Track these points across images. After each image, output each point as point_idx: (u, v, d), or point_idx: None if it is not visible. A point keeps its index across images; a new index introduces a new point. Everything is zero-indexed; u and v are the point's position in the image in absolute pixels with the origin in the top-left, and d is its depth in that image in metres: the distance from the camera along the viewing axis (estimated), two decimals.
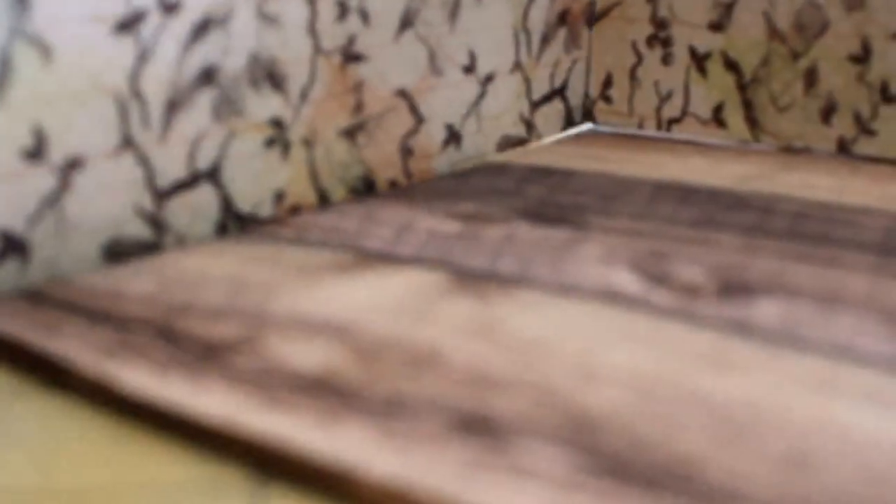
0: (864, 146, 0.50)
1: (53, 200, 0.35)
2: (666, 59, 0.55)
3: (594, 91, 0.56)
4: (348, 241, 0.33)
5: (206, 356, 0.26)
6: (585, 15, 0.56)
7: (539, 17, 0.53)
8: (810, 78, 0.51)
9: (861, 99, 0.50)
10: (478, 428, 0.23)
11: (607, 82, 0.56)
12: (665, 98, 0.55)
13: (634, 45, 0.56)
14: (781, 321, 0.29)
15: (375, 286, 0.30)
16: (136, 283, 0.30)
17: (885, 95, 0.50)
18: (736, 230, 0.36)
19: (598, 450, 0.22)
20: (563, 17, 0.54)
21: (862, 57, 0.50)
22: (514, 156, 0.44)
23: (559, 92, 0.55)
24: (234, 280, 0.30)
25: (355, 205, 0.36)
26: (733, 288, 0.31)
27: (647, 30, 0.55)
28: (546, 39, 0.54)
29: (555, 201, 0.39)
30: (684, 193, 0.41)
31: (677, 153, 0.49)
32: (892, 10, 0.49)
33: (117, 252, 0.37)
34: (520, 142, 0.53)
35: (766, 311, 0.29)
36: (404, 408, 0.24)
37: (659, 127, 0.55)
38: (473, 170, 0.41)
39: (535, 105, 0.53)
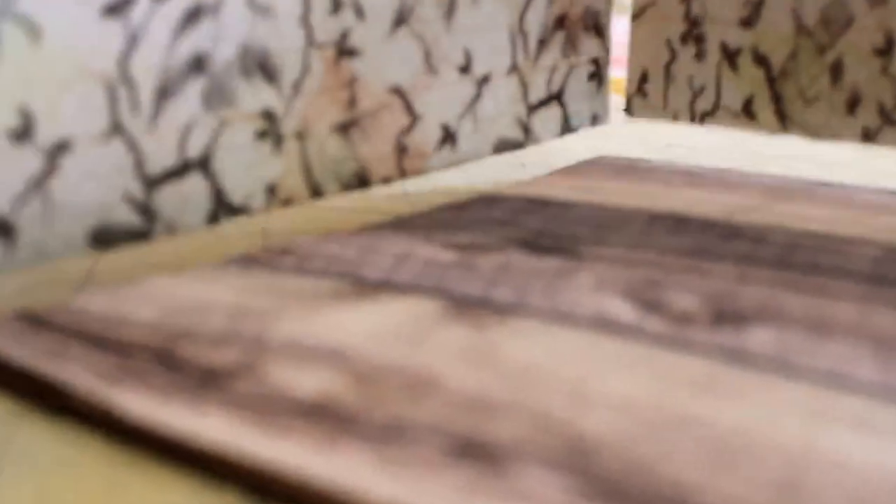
0: (888, 137, 0.51)
1: (40, 183, 0.34)
2: (699, 55, 0.56)
3: (631, 87, 0.57)
4: (347, 270, 0.33)
5: (206, 382, 0.26)
6: (584, 21, 0.56)
7: (536, 20, 0.53)
8: (836, 71, 0.52)
9: (885, 91, 0.51)
10: (474, 453, 0.23)
11: (643, 78, 0.57)
12: (698, 92, 0.56)
13: (669, 43, 0.57)
14: (773, 349, 0.29)
15: (373, 314, 0.30)
16: (138, 308, 0.30)
17: None
18: (729, 259, 0.37)
19: (594, 474, 0.22)
20: (560, 22, 0.54)
21: (885, 50, 0.51)
22: (510, 187, 0.44)
23: (556, 97, 0.55)
24: (235, 308, 0.30)
25: (355, 235, 0.36)
26: (726, 316, 0.31)
27: (681, 27, 0.56)
28: (543, 43, 0.53)
29: (550, 231, 0.39)
30: (678, 223, 0.41)
31: (671, 185, 0.49)
32: None
33: (105, 239, 0.36)
34: (516, 145, 0.52)
35: (759, 338, 0.29)
36: (402, 433, 0.24)
37: (692, 119, 0.56)
38: (470, 201, 0.41)
39: (532, 109, 0.53)
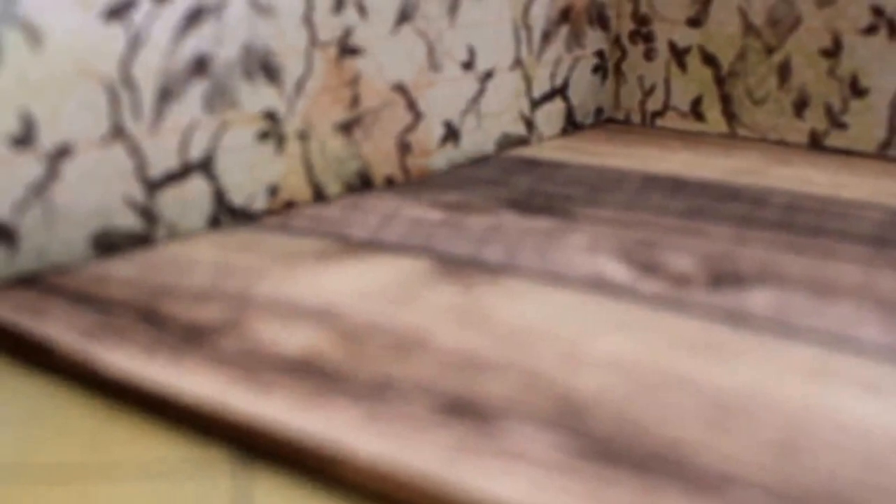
0: (836, 139, 0.51)
1: (41, 188, 0.34)
2: (648, 55, 0.56)
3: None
4: (333, 229, 0.33)
5: (190, 339, 0.25)
6: (589, 13, 0.55)
7: (540, 14, 0.52)
8: (784, 72, 0.52)
9: (832, 92, 0.51)
10: (465, 411, 0.22)
11: None
12: (648, 92, 0.56)
13: (618, 40, 0.57)
14: (774, 310, 0.28)
15: (360, 272, 0.30)
16: (119, 266, 0.30)
17: (855, 89, 0.50)
18: (727, 221, 0.36)
19: (587, 433, 0.21)
20: (565, 14, 0.54)
21: (833, 51, 0.50)
22: (499, 148, 0.43)
23: (560, 91, 0.54)
24: (218, 266, 0.30)
25: (342, 196, 0.35)
26: (725, 277, 0.30)
27: (629, 26, 0.56)
28: (547, 37, 0.53)
29: (541, 191, 0.38)
30: (674, 185, 0.41)
31: (667, 147, 0.49)
32: (861, 6, 0.50)
33: (107, 243, 0.36)
34: (520, 141, 0.52)
35: (759, 300, 0.29)
36: (390, 390, 0.23)
37: (643, 120, 0.56)
38: (456, 164, 0.41)
39: (535, 103, 0.53)
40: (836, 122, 0.51)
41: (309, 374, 0.24)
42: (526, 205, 0.36)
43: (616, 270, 0.31)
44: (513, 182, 0.39)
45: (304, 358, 0.25)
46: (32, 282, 0.29)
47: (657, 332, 0.27)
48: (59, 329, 0.27)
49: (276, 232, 0.32)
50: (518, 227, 0.34)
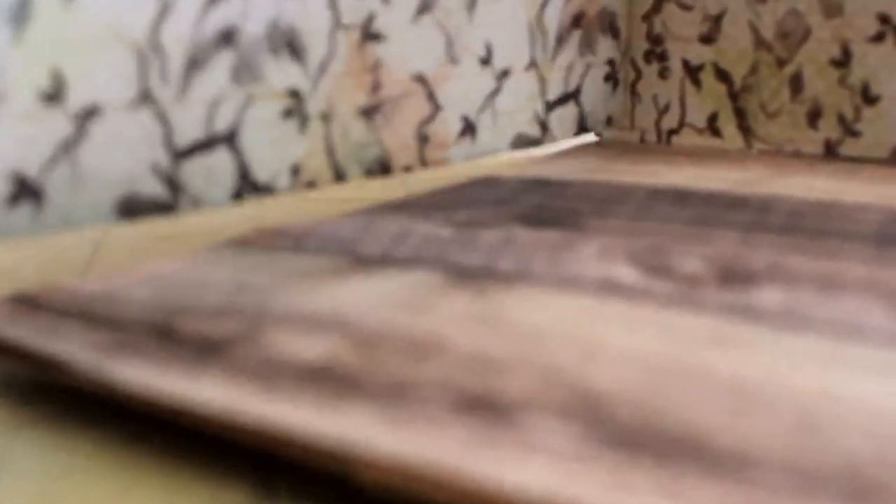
0: (850, 148, 0.51)
1: (69, 148, 0.34)
2: (662, 73, 0.56)
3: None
4: (345, 248, 0.33)
5: (205, 352, 0.25)
6: (600, 20, 0.56)
7: (554, 17, 0.53)
8: (796, 84, 0.52)
9: (844, 102, 0.51)
10: (483, 407, 0.22)
11: None
12: (663, 111, 0.56)
13: (633, 62, 0.57)
14: (784, 304, 0.29)
15: (374, 285, 0.30)
16: (132, 288, 0.30)
17: (867, 97, 0.51)
18: (734, 227, 0.36)
19: (606, 422, 0.22)
20: (577, 20, 0.54)
21: (842, 61, 0.51)
22: (506, 169, 0.44)
23: (573, 96, 0.55)
24: (232, 285, 0.30)
25: (349, 217, 0.36)
26: (734, 276, 0.31)
27: (644, 45, 0.57)
28: (561, 41, 0.53)
29: (550, 207, 0.39)
30: (680, 196, 0.41)
31: (673, 163, 0.49)
32: (868, 14, 0.50)
33: (132, 209, 0.36)
34: (534, 142, 0.52)
35: (768, 296, 0.29)
36: (407, 391, 0.23)
37: (659, 139, 0.56)
38: (466, 183, 0.41)
39: (549, 106, 0.53)
40: (850, 131, 0.51)
41: (326, 379, 0.24)
42: (536, 219, 0.37)
43: (627, 274, 0.31)
44: (522, 200, 0.40)
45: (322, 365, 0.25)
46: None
47: (671, 328, 0.27)
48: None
49: (288, 253, 0.33)
50: (529, 240, 0.34)
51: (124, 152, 0.35)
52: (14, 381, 0.27)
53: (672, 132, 0.56)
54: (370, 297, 0.29)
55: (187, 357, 0.25)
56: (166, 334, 0.26)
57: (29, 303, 0.28)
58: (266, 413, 0.22)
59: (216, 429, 0.22)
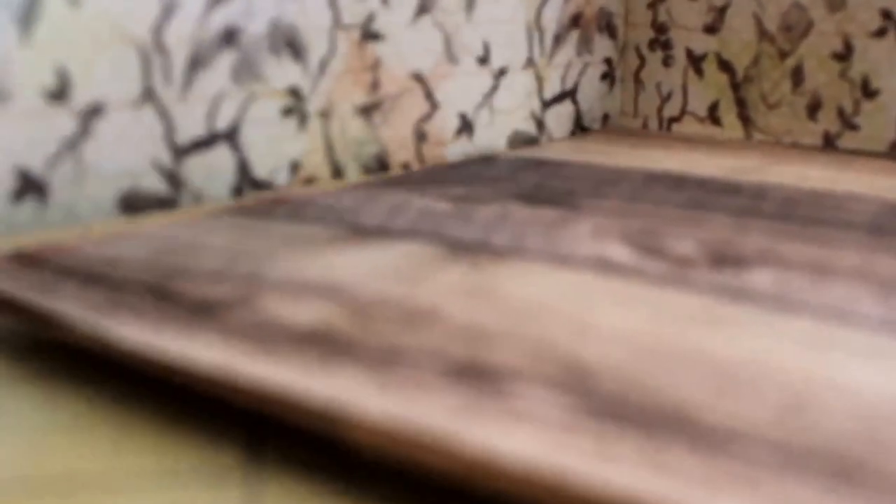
0: (848, 140, 0.52)
1: (73, 144, 0.35)
2: (666, 62, 0.57)
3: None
4: (343, 218, 0.34)
5: (200, 313, 0.26)
6: (598, 21, 0.56)
7: (552, 17, 0.53)
8: (797, 76, 0.53)
9: (844, 95, 0.52)
10: (473, 375, 0.23)
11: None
12: (666, 98, 0.57)
13: (637, 49, 0.58)
14: (774, 288, 0.29)
15: (370, 255, 0.30)
16: (130, 248, 0.31)
17: (867, 91, 0.51)
18: (728, 212, 0.37)
19: (595, 395, 0.22)
20: (575, 20, 0.55)
21: (844, 55, 0.52)
22: (505, 150, 0.45)
23: (570, 94, 0.55)
24: (229, 249, 0.30)
25: (349, 190, 0.37)
26: (726, 259, 0.31)
27: (649, 34, 0.57)
28: (559, 40, 0.54)
29: (547, 186, 0.40)
30: (676, 181, 0.42)
31: (672, 149, 0.50)
32: (870, 10, 0.51)
33: (133, 204, 0.36)
34: (530, 140, 0.53)
35: (760, 278, 0.30)
36: (399, 357, 0.24)
37: (661, 126, 0.57)
38: (465, 161, 0.42)
39: (546, 104, 0.54)
40: (849, 124, 0.52)
41: (319, 343, 0.25)
42: (532, 197, 0.37)
43: (620, 253, 0.32)
44: (519, 178, 0.40)
45: (315, 330, 0.25)
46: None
47: (661, 307, 0.27)
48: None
49: (286, 221, 0.33)
50: (524, 217, 0.35)
51: (127, 149, 0.36)
52: (10, 337, 0.28)
53: (673, 120, 0.57)
54: (366, 267, 0.29)
55: (182, 318, 0.25)
56: (163, 295, 0.27)
57: (29, 260, 0.29)
58: (258, 373, 0.22)
59: (208, 387, 0.23)
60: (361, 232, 0.33)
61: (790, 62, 0.53)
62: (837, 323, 0.27)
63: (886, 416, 0.21)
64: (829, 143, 0.53)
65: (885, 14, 0.51)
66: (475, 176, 0.41)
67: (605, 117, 0.58)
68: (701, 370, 0.23)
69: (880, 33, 0.51)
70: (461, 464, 0.20)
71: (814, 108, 0.53)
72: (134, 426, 0.23)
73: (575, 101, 0.56)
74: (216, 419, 0.24)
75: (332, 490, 0.21)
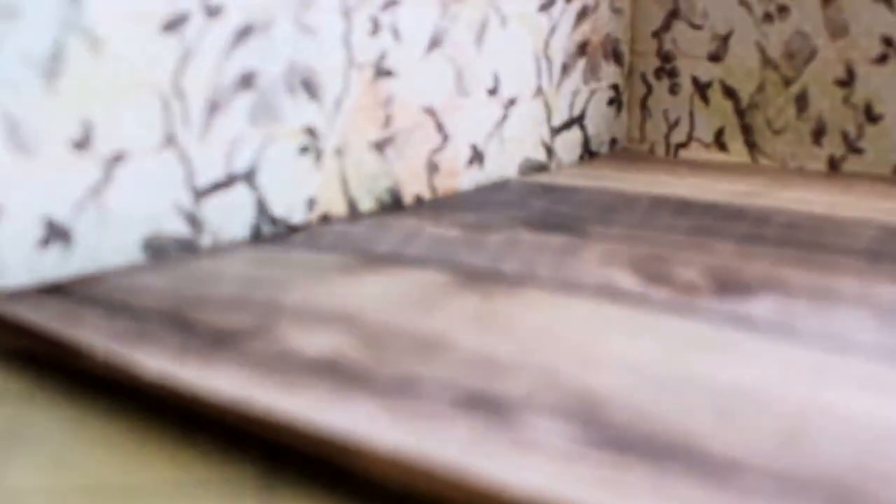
0: (853, 164, 0.53)
1: (97, 191, 0.36)
2: (673, 89, 0.58)
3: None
4: (357, 246, 0.34)
5: (219, 343, 0.27)
6: (604, 48, 0.57)
7: (559, 46, 0.54)
8: (801, 102, 0.54)
9: (848, 120, 0.53)
10: (483, 405, 0.23)
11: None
12: (673, 125, 0.58)
13: (644, 77, 0.59)
14: (777, 315, 0.30)
15: (383, 283, 0.31)
16: (150, 278, 0.31)
17: (870, 116, 0.52)
18: (732, 238, 0.38)
19: (601, 425, 0.23)
20: (582, 49, 0.56)
21: (847, 81, 0.52)
22: (515, 177, 0.45)
23: (578, 120, 0.56)
24: (246, 278, 0.31)
25: (362, 218, 0.37)
26: (730, 286, 0.32)
27: (655, 63, 0.58)
28: (566, 68, 0.55)
29: (556, 212, 0.40)
30: (681, 206, 0.43)
31: (677, 173, 0.51)
32: (872, 37, 0.52)
33: (156, 247, 0.37)
34: (540, 167, 0.54)
35: (762, 306, 0.30)
36: (411, 387, 0.24)
37: (668, 152, 0.58)
38: (475, 188, 0.43)
39: (555, 131, 0.55)
40: (853, 148, 0.53)
41: (334, 373, 0.25)
42: (541, 224, 0.38)
43: (627, 280, 0.32)
44: (529, 204, 0.41)
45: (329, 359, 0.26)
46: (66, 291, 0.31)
47: (667, 335, 0.28)
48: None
49: (301, 249, 0.34)
50: (533, 243, 0.36)
51: (149, 193, 0.37)
52: (29, 352, 0.29)
53: (680, 146, 0.58)
54: (379, 295, 0.30)
55: (201, 348, 0.26)
56: (182, 324, 0.28)
57: (52, 290, 0.29)
58: (274, 404, 0.23)
59: (226, 418, 0.24)
60: (374, 260, 0.33)
61: (794, 89, 0.54)
62: (838, 351, 0.27)
63: (885, 445, 0.22)
64: (833, 167, 0.53)
65: (887, 41, 0.51)
66: (485, 203, 0.41)
67: (613, 141, 0.59)
68: (705, 398, 0.24)
69: (882, 59, 0.52)
70: (472, 494, 0.20)
71: (818, 133, 0.54)
72: (156, 441, 0.24)
73: (583, 127, 0.57)
74: (237, 439, 0.25)
75: (346, 489, 0.22)
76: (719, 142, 0.57)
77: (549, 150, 0.54)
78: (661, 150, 0.59)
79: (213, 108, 0.39)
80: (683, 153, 0.58)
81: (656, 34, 0.58)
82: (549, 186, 0.46)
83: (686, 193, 0.46)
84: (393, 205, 0.45)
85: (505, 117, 0.51)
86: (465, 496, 0.20)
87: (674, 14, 0.57)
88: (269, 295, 0.30)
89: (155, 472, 0.22)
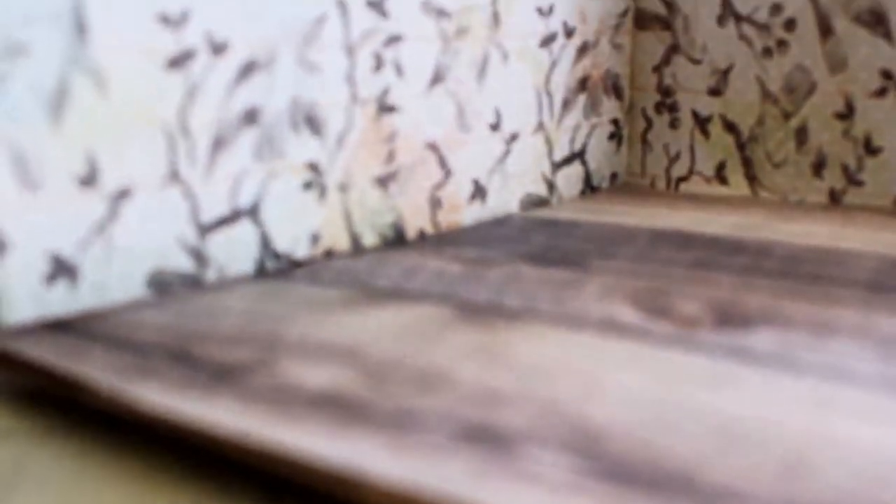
0: (853, 196, 0.53)
1: (102, 227, 0.36)
2: (673, 123, 0.58)
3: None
4: (358, 280, 0.35)
5: (221, 377, 0.27)
6: (605, 83, 0.57)
7: (560, 82, 0.54)
8: (801, 135, 0.54)
9: (847, 153, 0.53)
10: (484, 438, 0.24)
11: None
12: (674, 159, 0.58)
13: (644, 112, 0.59)
14: (778, 347, 0.30)
15: (384, 317, 0.31)
16: (152, 313, 0.32)
17: (869, 148, 0.53)
18: (733, 271, 0.38)
19: (602, 456, 0.23)
20: (583, 84, 0.56)
21: (846, 114, 0.53)
22: (516, 212, 0.46)
23: (579, 155, 0.56)
24: (248, 313, 0.31)
25: (363, 253, 0.38)
26: (731, 319, 0.32)
27: (655, 98, 0.59)
28: (567, 104, 0.55)
29: (557, 247, 0.41)
30: (682, 240, 0.43)
31: (678, 207, 0.51)
32: (871, 70, 0.52)
33: (161, 282, 0.37)
34: (542, 202, 0.54)
35: (763, 338, 0.31)
36: (412, 420, 0.24)
37: (668, 185, 0.58)
38: (476, 224, 0.43)
39: (556, 166, 0.55)
40: (853, 181, 0.53)
41: (335, 406, 0.25)
42: (542, 258, 0.38)
43: (627, 314, 0.33)
44: (530, 239, 0.41)
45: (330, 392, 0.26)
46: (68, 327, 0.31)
47: (667, 367, 0.28)
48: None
49: (302, 284, 0.34)
50: (535, 278, 0.36)
51: (154, 229, 0.37)
52: (36, 391, 0.29)
53: (681, 180, 0.58)
54: (381, 329, 0.30)
55: (204, 382, 0.26)
56: (185, 359, 0.28)
57: (58, 325, 0.30)
58: (275, 438, 0.23)
59: (228, 451, 0.24)
60: (376, 294, 0.33)
61: (794, 122, 0.55)
62: (838, 382, 0.27)
63: (886, 475, 0.22)
64: (834, 200, 0.54)
65: (886, 74, 0.52)
66: (487, 238, 0.42)
67: (614, 176, 0.59)
68: (705, 430, 0.24)
69: (881, 93, 0.52)
70: None
71: (818, 166, 0.54)
72: (156, 476, 0.24)
73: (584, 162, 0.57)
74: (236, 467, 0.25)
75: None
76: (720, 175, 0.57)
77: (551, 185, 0.55)
78: (661, 184, 0.59)
79: (218, 143, 0.39)
80: (684, 187, 0.58)
81: (656, 69, 0.58)
82: (550, 221, 0.47)
83: (687, 227, 0.46)
84: (396, 240, 0.46)
85: (507, 152, 0.52)
86: None
87: (674, 49, 0.57)
88: (272, 329, 0.30)
89: None
